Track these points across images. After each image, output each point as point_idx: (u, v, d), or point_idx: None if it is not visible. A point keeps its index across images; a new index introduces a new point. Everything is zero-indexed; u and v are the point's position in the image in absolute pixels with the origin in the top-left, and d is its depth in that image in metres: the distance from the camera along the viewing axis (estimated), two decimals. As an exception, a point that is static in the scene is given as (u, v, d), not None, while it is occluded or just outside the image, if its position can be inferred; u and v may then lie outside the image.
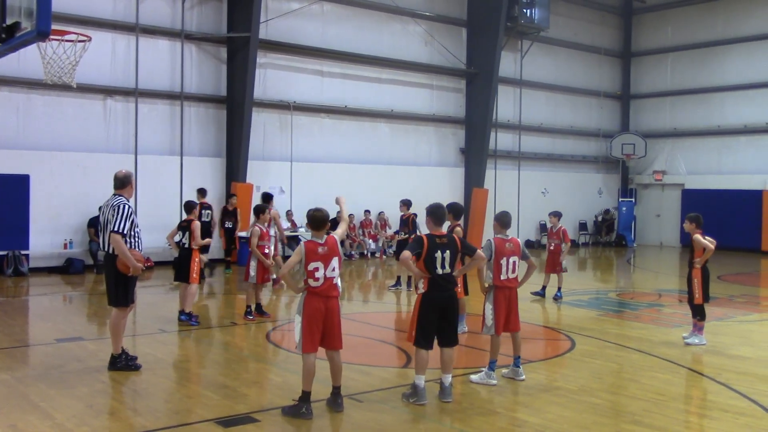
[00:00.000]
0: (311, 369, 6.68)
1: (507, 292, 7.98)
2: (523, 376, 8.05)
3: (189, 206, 11.54)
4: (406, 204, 15.15)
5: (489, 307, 7.97)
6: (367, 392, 7.50)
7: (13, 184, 16.29)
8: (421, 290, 7.13)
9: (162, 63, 18.70)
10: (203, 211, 15.57)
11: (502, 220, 8.16)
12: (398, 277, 15.49)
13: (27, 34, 5.89)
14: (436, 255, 7.04)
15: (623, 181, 29.83)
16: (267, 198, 13.42)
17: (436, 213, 7.27)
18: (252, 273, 11.37)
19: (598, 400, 7.43)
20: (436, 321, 7.12)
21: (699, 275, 10.10)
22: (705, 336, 10.25)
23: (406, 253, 6.99)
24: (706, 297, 10.16)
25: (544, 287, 14.25)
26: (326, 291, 6.70)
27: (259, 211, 11.69)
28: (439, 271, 7.04)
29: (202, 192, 16.61)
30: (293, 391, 7.10)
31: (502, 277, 7.92)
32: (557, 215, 14.38)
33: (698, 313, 10.21)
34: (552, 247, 14.38)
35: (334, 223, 7.66)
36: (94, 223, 16.82)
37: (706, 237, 10.03)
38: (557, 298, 13.96)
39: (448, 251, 7.10)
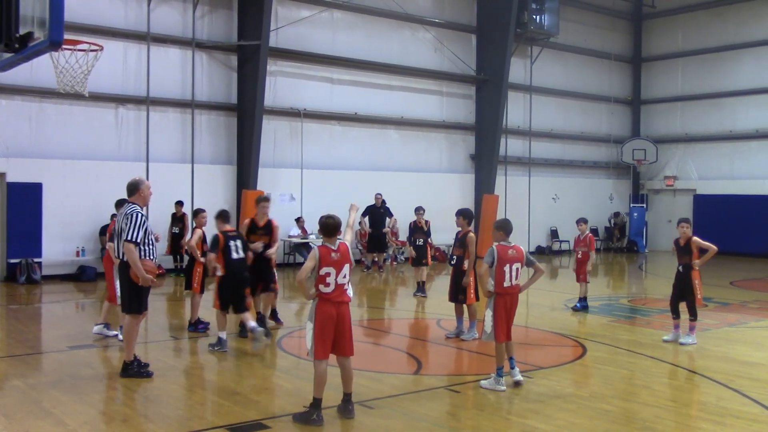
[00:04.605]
0: (323, 376, 6.71)
1: (508, 299, 8.03)
2: (520, 377, 8.04)
3: (197, 215, 11.59)
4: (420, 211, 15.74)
5: (489, 313, 8.04)
6: (378, 399, 7.51)
7: (25, 192, 16.40)
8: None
9: (173, 71, 18.80)
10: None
11: (505, 228, 8.22)
12: (418, 284, 15.41)
13: (40, 43, 5.93)
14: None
15: (634, 187, 29.71)
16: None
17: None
18: None
19: (610, 407, 7.40)
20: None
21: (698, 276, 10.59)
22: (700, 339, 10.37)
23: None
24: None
25: (581, 298, 13.47)
26: (337, 297, 6.73)
27: None
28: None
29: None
30: (304, 397, 7.11)
31: (505, 284, 7.99)
32: (585, 222, 13.91)
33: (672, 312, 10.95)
34: (580, 256, 13.65)
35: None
36: (106, 231, 16.90)
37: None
38: (577, 309, 13.30)
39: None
